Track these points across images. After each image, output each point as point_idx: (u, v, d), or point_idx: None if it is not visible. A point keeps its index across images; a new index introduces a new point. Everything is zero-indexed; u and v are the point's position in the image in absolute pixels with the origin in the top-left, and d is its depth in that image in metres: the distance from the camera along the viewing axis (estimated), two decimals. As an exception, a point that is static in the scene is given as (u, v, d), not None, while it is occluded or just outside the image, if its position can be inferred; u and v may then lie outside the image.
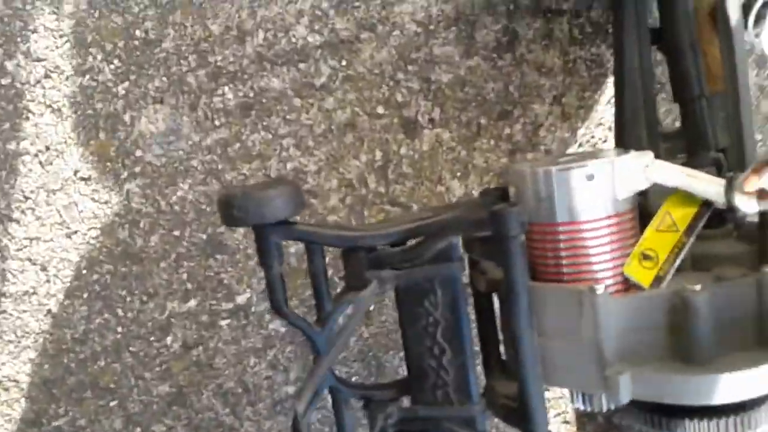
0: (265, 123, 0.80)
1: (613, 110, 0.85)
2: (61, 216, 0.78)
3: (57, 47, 0.76)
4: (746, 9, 0.66)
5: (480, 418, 0.62)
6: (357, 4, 0.80)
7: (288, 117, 0.80)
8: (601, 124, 0.86)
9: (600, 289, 0.57)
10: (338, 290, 0.64)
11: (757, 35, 0.67)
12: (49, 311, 0.79)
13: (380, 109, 0.82)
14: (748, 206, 0.57)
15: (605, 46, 0.85)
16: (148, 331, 0.81)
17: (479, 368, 0.66)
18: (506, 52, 0.83)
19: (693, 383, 0.55)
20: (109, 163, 0.78)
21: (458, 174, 0.83)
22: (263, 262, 0.61)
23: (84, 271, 0.79)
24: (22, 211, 0.77)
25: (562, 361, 0.59)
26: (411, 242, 0.63)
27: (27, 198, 0.77)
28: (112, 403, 0.81)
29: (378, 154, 0.82)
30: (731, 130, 0.66)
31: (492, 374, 0.66)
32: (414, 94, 0.82)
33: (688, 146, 0.70)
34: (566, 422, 0.89)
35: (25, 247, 0.78)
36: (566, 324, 0.58)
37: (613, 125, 0.87)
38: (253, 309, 0.82)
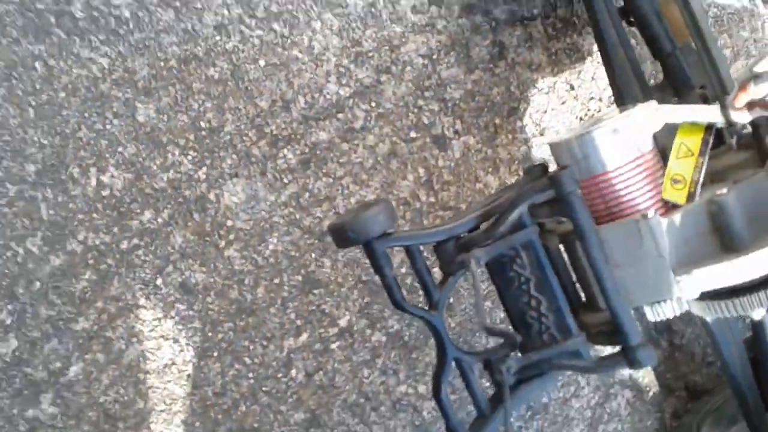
0: (324, 170, 0.92)
1: (597, 86, 1.00)
2: (179, 292, 0.89)
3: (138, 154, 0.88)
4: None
5: (583, 348, 0.73)
6: (370, 54, 0.94)
7: (341, 161, 0.93)
8: (592, 98, 1.00)
9: (651, 212, 0.70)
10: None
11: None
12: (188, 376, 0.89)
13: (413, 134, 0.95)
14: (742, 118, 0.70)
15: (576, 34, 1.00)
16: (274, 370, 0.91)
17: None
18: (500, 60, 0.97)
19: (740, 264, 0.67)
20: (207, 238, 0.89)
21: (490, 170, 0.97)
22: (378, 271, 0.72)
23: (209, 334, 0.89)
24: (147, 297, 0.88)
25: (635, 283, 0.71)
26: (484, 225, 0.76)
27: (147, 284, 0.88)
28: (259, 440, 0.91)
29: (421, 171, 0.95)
30: (706, 68, 0.80)
31: (579, 313, 0.77)
32: (436, 114, 0.95)
33: (675, 92, 0.84)
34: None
35: (156, 327, 0.88)
36: (632, 251, 0.71)
37: (602, 97, 1.01)
38: (355, 328, 0.93)
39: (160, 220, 0.89)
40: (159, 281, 0.88)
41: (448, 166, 0.95)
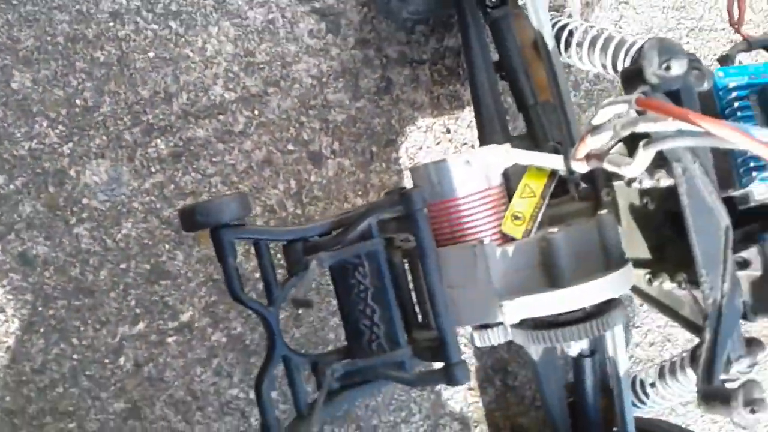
0: (194, 166, 0.92)
1: (471, 133, 1.07)
2: (16, 262, 0.85)
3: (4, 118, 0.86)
4: (558, 38, 0.90)
5: (408, 360, 0.76)
6: (262, 66, 0.96)
7: (213, 159, 0.93)
8: (465, 143, 1.06)
9: (487, 240, 0.74)
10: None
11: (569, 57, 0.90)
12: (8, 348, 0.84)
13: (290, 146, 0.97)
14: (580, 168, 0.76)
15: (459, 84, 1.06)
16: (102, 355, 0.87)
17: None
18: (385, 94, 1.02)
19: (559, 296, 0.72)
20: (59, 212, 0.87)
21: (360, 193, 0.99)
22: (221, 258, 0.72)
23: (40, 309, 0.85)
24: (-20, 259, 0.84)
25: (465, 304, 0.75)
26: (336, 232, 0.78)
27: (-17, 247, 0.84)
28: (71, 425, 0.86)
29: (293, 183, 0.97)
30: (561, 125, 0.87)
31: (411, 329, 0.79)
32: (316, 132, 0.98)
33: (534, 143, 0.90)
34: (471, 389, 1.04)
35: (-17, 291, 0.84)
36: (465, 274, 0.74)
37: (475, 144, 1.07)
38: (196, 324, 0.91)
39: (12, 186, 0.86)
40: (-4, 246, 0.85)
41: (319, 183, 0.97)
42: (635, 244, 0.79)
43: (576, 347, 0.85)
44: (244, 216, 0.73)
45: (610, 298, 0.74)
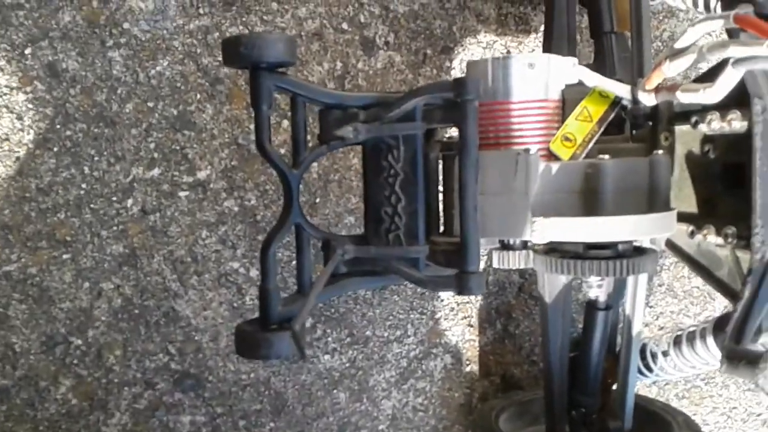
0: (243, 19, 0.88)
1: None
2: (44, 71, 0.82)
3: None
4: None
5: (422, 260, 0.72)
6: (335, -67, 0.92)
7: (264, 18, 0.89)
8: (524, 70, 1.01)
9: (533, 149, 0.70)
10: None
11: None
12: (18, 158, 0.82)
13: (345, 26, 0.93)
14: (648, 100, 0.72)
15: (530, 7, 1.01)
16: (110, 191, 0.85)
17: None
18: (453, -2, 0.97)
19: (595, 223, 0.68)
20: (97, 30, 0.83)
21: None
22: (255, 103, 0.68)
23: (58, 126, 0.82)
24: (8, 60, 0.80)
25: (496, 214, 0.71)
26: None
27: (15, 48, 0.81)
28: (65, 256, 0.83)
29: (338, 64, 0.93)
30: (633, 59, 0.83)
31: (432, 231, 0.76)
32: (375, 18, 0.94)
33: (599, 73, 0.86)
34: (470, 326, 1.01)
35: (5, 94, 0.81)
36: (503, 182, 0.71)
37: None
38: (211, 186, 0.88)
39: (55, -9, 0.82)
40: (28, 51, 0.81)
41: (365, 72, 0.93)
42: (683, 197, 0.75)
43: (595, 290, 0.81)
44: (287, 64, 0.68)
45: (647, 238, 0.71)
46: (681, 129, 0.74)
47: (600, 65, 0.85)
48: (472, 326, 1.01)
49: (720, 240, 0.67)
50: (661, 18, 1.06)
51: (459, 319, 1.00)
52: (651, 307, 1.12)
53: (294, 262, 0.72)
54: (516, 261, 0.74)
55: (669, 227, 0.72)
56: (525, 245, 0.74)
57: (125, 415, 0.85)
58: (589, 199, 0.72)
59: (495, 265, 0.75)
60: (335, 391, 0.94)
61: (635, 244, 0.76)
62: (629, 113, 0.77)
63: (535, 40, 1.00)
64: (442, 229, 0.79)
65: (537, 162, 0.70)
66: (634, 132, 0.79)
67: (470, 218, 0.70)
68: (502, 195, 0.72)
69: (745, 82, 0.60)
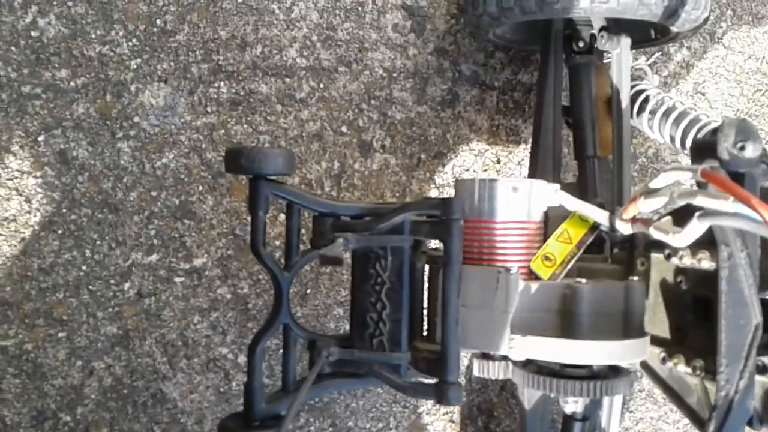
0: (248, 118, 0.92)
1: (521, 171, 1.06)
2: (55, 158, 0.85)
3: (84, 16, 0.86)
4: (632, 101, 0.89)
5: (404, 366, 0.74)
6: (340, 43, 0.97)
7: (269, 118, 0.93)
8: (512, 175, 1.05)
9: (513, 269, 0.73)
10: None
11: (639, 122, 0.90)
12: (23, 239, 0.84)
13: (344, 129, 0.97)
14: (624, 228, 0.75)
15: (521, 120, 1.06)
16: (109, 274, 0.87)
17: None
18: (448, 107, 1.02)
19: (572, 346, 0.71)
20: (108, 122, 0.87)
21: (397, 194, 0.99)
22: (252, 209, 0.72)
23: (64, 210, 0.85)
24: (21, 146, 0.84)
25: (477, 327, 0.74)
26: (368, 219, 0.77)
27: (29, 135, 0.84)
28: (60, 334, 0.85)
29: (336, 164, 0.96)
30: (613, 184, 0.87)
31: (415, 337, 0.78)
32: (373, 123, 0.98)
33: (580, 194, 0.90)
34: (452, 421, 1.02)
35: (16, 178, 0.84)
36: (484, 297, 0.73)
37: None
38: (206, 273, 0.91)
39: (72, 83, 0.86)
40: (41, 138, 0.84)
41: (361, 172, 0.97)
42: (657, 321, 0.78)
43: (571, 405, 0.83)
44: (285, 174, 0.72)
45: (620, 363, 0.73)
46: (656, 257, 0.77)
47: (582, 186, 0.88)
48: (453, 422, 1.02)
49: (689, 370, 0.70)
50: (646, 136, 1.11)
51: (441, 415, 1.01)
52: (631, 412, 1.13)
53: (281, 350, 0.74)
54: (495, 371, 0.76)
55: (642, 353, 0.75)
56: (505, 356, 0.77)
57: (105, 498, 0.86)
58: (566, 319, 0.75)
59: (476, 373, 0.77)
60: (313, 480, 0.95)
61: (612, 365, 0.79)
62: (609, 237, 0.80)
63: (524, 150, 1.05)
64: (426, 333, 0.81)
65: (517, 281, 0.73)
66: (613, 251, 0.82)
67: (451, 331, 0.72)
68: (482, 309, 0.74)
69: (713, 229, 0.64)
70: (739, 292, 0.64)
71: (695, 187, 0.65)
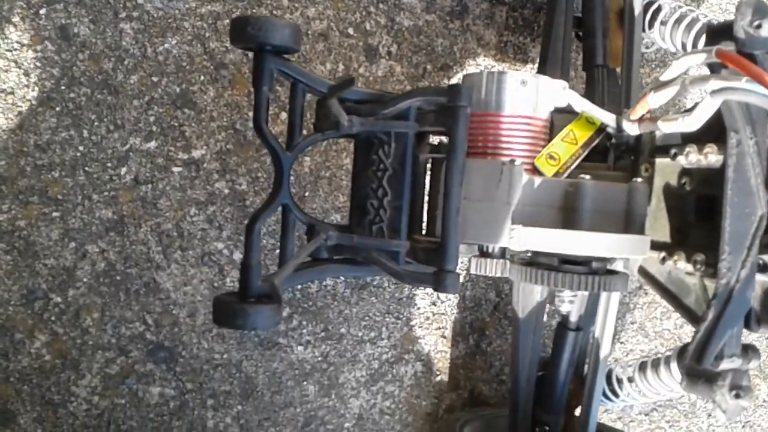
0: (254, 10, 0.89)
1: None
2: (56, 33, 0.82)
3: None
4: (644, 11, 0.87)
5: (402, 254, 0.73)
6: (353, -59, 0.94)
7: (274, 12, 0.90)
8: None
9: (518, 162, 0.72)
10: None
11: (651, 33, 0.88)
12: (20, 113, 0.81)
13: (350, 31, 0.94)
14: (632, 129, 0.73)
15: (530, 38, 1.03)
16: (106, 157, 0.84)
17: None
18: (457, 19, 0.99)
19: (572, 236, 0.70)
20: (112, 1, 0.84)
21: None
22: (256, 83, 0.69)
23: (63, 87, 0.82)
24: (22, 18, 0.81)
25: (478, 220, 0.72)
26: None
27: (30, 7, 0.81)
28: (54, 214, 0.83)
29: (341, 67, 0.94)
30: (621, 95, 0.85)
31: (415, 231, 0.77)
32: (380, 27, 0.95)
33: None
34: (444, 337, 1.01)
35: (15, 50, 0.81)
36: (486, 189, 0.72)
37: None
38: (205, 165, 0.88)
39: (76, -43, 0.83)
40: (43, 11, 0.81)
41: (365, 77, 0.95)
42: (658, 227, 0.76)
43: (566, 305, 0.82)
44: (291, 50, 0.70)
45: (620, 256, 0.72)
46: (661, 162, 0.75)
47: (590, 96, 0.86)
48: (445, 338, 1.01)
49: (689, 267, 0.69)
50: (653, 66, 1.09)
51: (433, 329, 1.00)
52: (622, 343, 1.12)
53: (277, 251, 0.72)
54: (493, 268, 0.75)
55: (642, 250, 0.73)
56: (503, 254, 0.75)
57: (96, 378, 0.84)
58: (568, 215, 0.74)
59: (473, 271, 0.76)
60: (305, 383, 0.93)
61: (608, 267, 0.78)
62: (613, 145, 0.79)
63: (531, 70, 1.02)
64: (425, 230, 0.80)
65: (521, 174, 0.72)
66: (618, 161, 0.80)
67: (451, 218, 0.71)
68: (484, 202, 0.73)
69: (723, 115, 0.62)
70: (746, 181, 0.62)
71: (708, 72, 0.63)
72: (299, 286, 0.92)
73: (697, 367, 0.61)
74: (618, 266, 0.79)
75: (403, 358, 0.99)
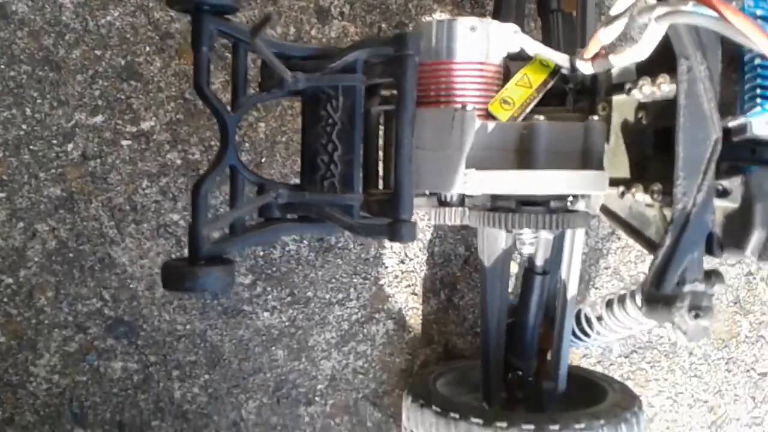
0: (198, -24, 0.87)
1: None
2: (-10, 9, 0.80)
3: None
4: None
5: (357, 208, 0.71)
6: None
7: (219, -23, 0.88)
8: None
9: (469, 107, 0.70)
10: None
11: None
12: (-43, 93, 0.79)
13: (300, -9, 0.92)
14: (586, 68, 0.72)
15: (486, -7, 1.01)
16: (51, 134, 0.82)
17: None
18: (410, -25, 0.97)
19: (527, 176, 0.68)
20: (47, -27, 0.81)
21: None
22: (195, 44, 0.67)
23: (2, 66, 0.79)
24: (-48, -6, 0.78)
25: (431, 168, 0.70)
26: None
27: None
28: (0, 195, 0.81)
29: (291, 29, 0.91)
30: (578, 38, 0.83)
31: (370, 185, 0.75)
32: (330, -13, 0.93)
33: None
34: (414, 294, 1.00)
35: (-53, 27, 0.78)
36: (439, 137, 0.70)
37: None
38: (155, 137, 0.86)
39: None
40: (-26, -13, 0.79)
41: (318, 39, 0.92)
42: (618, 164, 0.75)
43: (528, 248, 0.80)
44: (231, 10, 0.67)
45: (579, 193, 0.70)
46: (617, 99, 0.74)
47: (547, 42, 0.84)
48: (415, 294, 1.00)
49: (648, 198, 0.67)
50: (609, 6, 1.07)
51: (403, 287, 0.99)
52: (597, 288, 1.11)
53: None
54: (452, 217, 0.74)
55: (601, 185, 0.72)
56: (462, 202, 0.73)
57: (54, 357, 0.82)
58: (523, 157, 0.72)
59: (433, 221, 0.74)
60: (273, 348, 0.92)
61: (571, 208, 0.77)
62: (571, 89, 0.77)
63: (488, 21, 1.00)
64: (382, 185, 0.78)
65: (473, 118, 0.70)
66: (575, 105, 0.79)
67: (404, 167, 0.69)
68: (437, 150, 0.71)
69: (672, 42, 0.61)
70: (698, 106, 0.61)
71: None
72: (261, 253, 0.90)
73: (656, 292, 0.60)
74: (580, 207, 0.78)
75: (373, 318, 0.97)
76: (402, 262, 0.98)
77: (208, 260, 0.67)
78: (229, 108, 0.69)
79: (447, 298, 1.00)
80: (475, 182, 0.68)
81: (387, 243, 0.98)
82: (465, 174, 0.68)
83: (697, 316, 0.55)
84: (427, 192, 0.74)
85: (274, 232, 0.72)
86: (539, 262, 0.84)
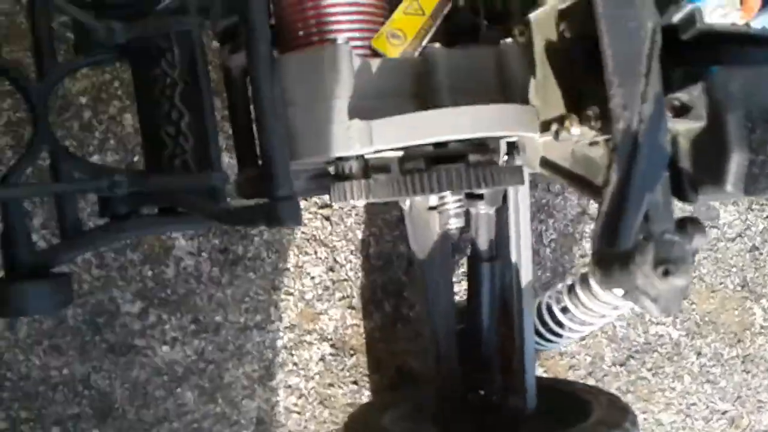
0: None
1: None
2: None
3: None
4: None
5: (221, 189, 0.54)
6: None
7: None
8: None
9: (341, 39, 0.54)
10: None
11: None
12: None
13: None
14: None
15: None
16: None
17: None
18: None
19: (432, 116, 0.51)
20: None
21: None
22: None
23: None
24: None
25: (309, 129, 0.54)
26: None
27: None
28: None
29: None
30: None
31: (246, 163, 0.58)
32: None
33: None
34: (352, 307, 0.82)
35: None
36: (312, 87, 0.54)
37: None
38: None
39: None
40: None
41: None
42: (550, 101, 0.58)
43: (455, 220, 0.63)
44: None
45: (500, 132, 0.53)
46: (534, 16, 0.57)
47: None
48: (353, 308, 0.82)
49: (585, 129, 0.50)
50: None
51: (336, 300, 0.82)
52: (573, 276, 0.93)
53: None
54: (353, 192, 0.56)
55: (529, 123, 0.55)
56: (365, 173, 0.57)
57: None
58: (424, 100, 0.55)
59: (333, 202, 0.58)
60: (179, 389, 0.75)
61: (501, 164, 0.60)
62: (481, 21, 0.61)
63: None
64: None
65: (349, 55, 0.54)
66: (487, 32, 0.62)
67: (271, 129, 0.52)
68: (313, 104, 0.55)
69: None
70: (621, -13, 0.44)
71: None
72: (149, 273, 0.74)
73: (609, 249, 0.43)
74: (517, 162, 0.61)
75: (303, 341, 0.80)
76: (331, 269, 0.81)
77: (31, 274, 0.52)
78: (34, 78, 0.54)
79: (393, 309, 0.83)
80: (362, 136, 0.51)
81: (309, 248, 0.82)
82: (348, 127, 0.52)
83: (666, 273, 0.37)
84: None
85: (122, 233, 0.56)
86: (483, 245, 0.67)
